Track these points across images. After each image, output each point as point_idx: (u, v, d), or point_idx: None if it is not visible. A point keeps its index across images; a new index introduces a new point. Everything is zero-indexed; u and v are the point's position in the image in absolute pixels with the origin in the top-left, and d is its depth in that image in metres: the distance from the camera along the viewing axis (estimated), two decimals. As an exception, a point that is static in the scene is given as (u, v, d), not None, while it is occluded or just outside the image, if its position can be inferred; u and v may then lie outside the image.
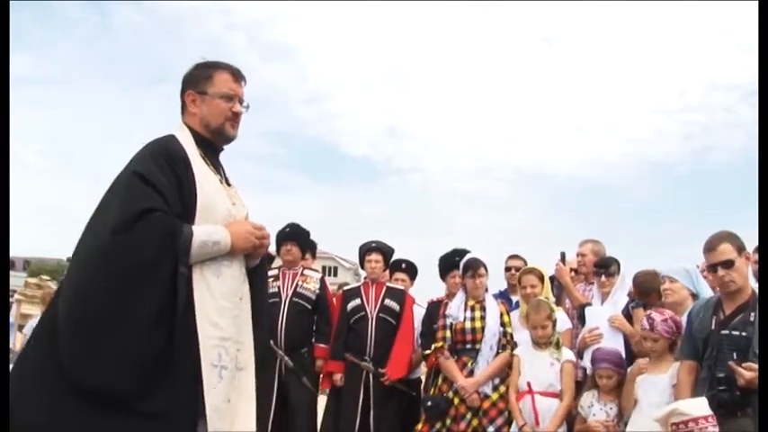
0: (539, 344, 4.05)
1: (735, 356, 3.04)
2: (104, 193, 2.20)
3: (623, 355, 4.00)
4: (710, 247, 3.21)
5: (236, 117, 2.38)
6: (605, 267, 4.38)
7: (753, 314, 3.09)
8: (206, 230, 2.19)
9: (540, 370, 4.00)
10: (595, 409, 3.82)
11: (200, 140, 2.34)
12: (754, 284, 3.31)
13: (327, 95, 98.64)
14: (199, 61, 2.42)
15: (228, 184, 2.43)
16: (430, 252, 5.10)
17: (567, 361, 4.01)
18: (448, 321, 4.31)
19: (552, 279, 4.65)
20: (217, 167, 2.40)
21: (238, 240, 2.27)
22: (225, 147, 2.46)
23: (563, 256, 4.74)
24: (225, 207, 2.31)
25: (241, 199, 2.46)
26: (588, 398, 3.89)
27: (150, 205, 2.09)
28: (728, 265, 3.15)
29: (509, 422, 4.08)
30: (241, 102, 2.40)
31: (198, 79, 2.37)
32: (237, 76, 2.41)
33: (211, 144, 2.39)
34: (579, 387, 4.07)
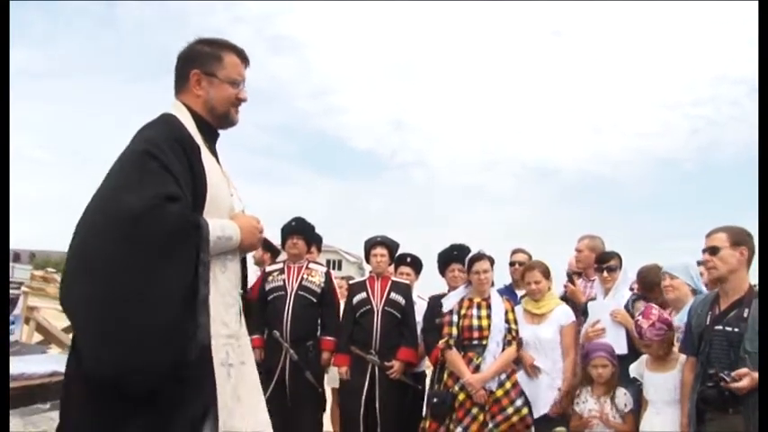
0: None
1: (726, 353, 3.07)
2: (114, 165, 2.02)
3: (623, 350, 4.04)
4: (707, 234, 3.30)
5: (240, 103, 2.26)
6: (606, 262, 4.41)
7: (747, 310, 3.10)
8: (220, 225, 2.08)
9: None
10: (590, 404, 3.88)
11: (199, 123, 2.19)
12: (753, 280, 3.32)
13: (333, 89, 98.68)
14: (203, 37, 2.26)
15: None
16: (434, 246, 5.11)
17: (568, 325, 4.35)
18: (454, 317, 4.33)
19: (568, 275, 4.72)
20: (216, 154, 2.26)
21: (246, 235, 2.17)
22: (221, 131, 2.31)
23: (570, 277, 4.85)
24: (228, 199, 2.20)
25: (237, 189, 2.32)
26: (582, 394, 3.94)
27: (172, 192, 1.94)
28: (714, 251, 3.22)
29: (508, 419, 4.11)
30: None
31: (206, 59, 2.21)
32: (245, 59, 2.28)
33: (211, 128, 2.24)
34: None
